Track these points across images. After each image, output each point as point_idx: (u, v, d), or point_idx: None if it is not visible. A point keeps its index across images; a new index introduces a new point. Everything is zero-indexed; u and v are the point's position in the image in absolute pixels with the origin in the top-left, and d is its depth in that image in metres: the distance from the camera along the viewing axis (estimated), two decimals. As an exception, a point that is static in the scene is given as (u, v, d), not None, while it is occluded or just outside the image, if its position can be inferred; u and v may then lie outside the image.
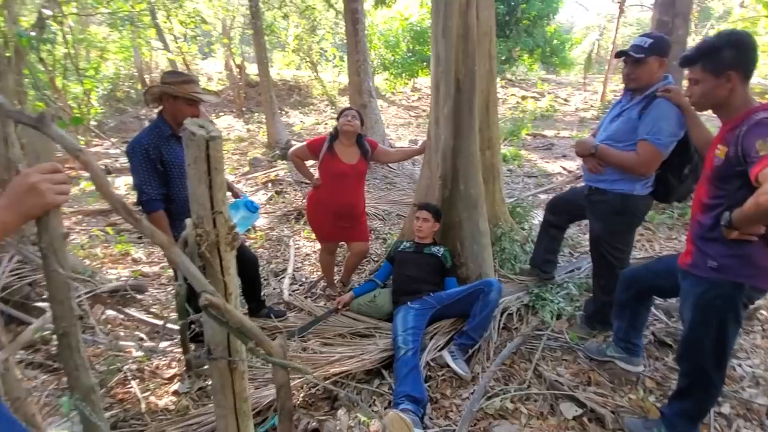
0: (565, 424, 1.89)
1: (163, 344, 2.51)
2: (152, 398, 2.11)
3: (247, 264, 2.52)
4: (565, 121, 10.94)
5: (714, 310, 1.52)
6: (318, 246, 3.89)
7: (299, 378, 2.04)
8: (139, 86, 13.46)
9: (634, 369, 2.13)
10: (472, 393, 2.04)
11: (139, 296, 2.99)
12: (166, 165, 2.04)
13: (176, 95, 2.04)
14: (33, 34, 4.85)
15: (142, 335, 2.63)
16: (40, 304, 2.54)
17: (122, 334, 2.66)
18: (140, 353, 2.38)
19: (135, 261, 3.94)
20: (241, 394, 0.79)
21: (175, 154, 2.06)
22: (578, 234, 3.86)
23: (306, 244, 4.20)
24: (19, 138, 2.49)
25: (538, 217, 3.82)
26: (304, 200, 5.22)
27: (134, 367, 2.34)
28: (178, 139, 2.10)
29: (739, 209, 1.33)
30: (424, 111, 12.75)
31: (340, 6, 11.06)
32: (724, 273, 1.46)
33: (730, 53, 1.41)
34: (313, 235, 3.89)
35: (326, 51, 14.81)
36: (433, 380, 2.16)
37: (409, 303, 2.43)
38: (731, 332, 1.52)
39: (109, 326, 2.72)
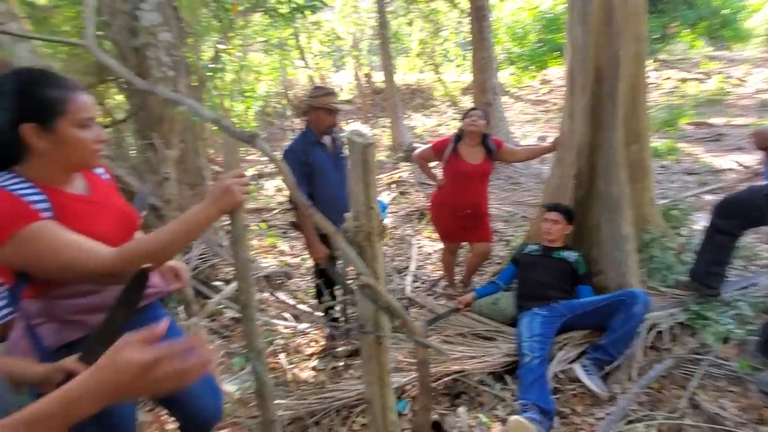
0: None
1: (305, 326, 2.87)
2: (295, 371, 2.43)
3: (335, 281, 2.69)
4: (739, 106, 8.86)
5: None
6: (440, 245, 3.94)
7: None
8: (284, 102, 15.44)
9: None
10: (608, 414, 1.85)
11: (287, 282, 3.46)
12: (312, 167, 2.33)
13: (318, 107, 2.33)
14: (211, 65, 6.01)
15: (288, 316, 3.05)
16: (216, 283, 3.15)
17: (272, 313, 3.12)
18: (287, 331, 2.77)
19: (281, 252, 4.57)
20: (384, 366, 0.89)
21: (320, 158, 2.35)
22: (756, 243, 3.14)
23: (428, 243, 4.30)
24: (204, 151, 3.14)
25: (700, 221, 3.22)
26: (427, 201, 5.35)
27: (281, 342, 2.73)
28: (322, 145, 2.39)
29: None
30: (554, 105, 11.79)
31: (464, 5, 10.99)
32: None
33: None
34: (435, 234, 3.96)
35: (449, 51, 14.83)
36: (562, 393, 2.01)
37: (535, 309, 2.31)
38: None
39: (263, 306, 3.22)
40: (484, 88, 6.73)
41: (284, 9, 4.27)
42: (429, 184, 6.08)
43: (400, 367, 2.18)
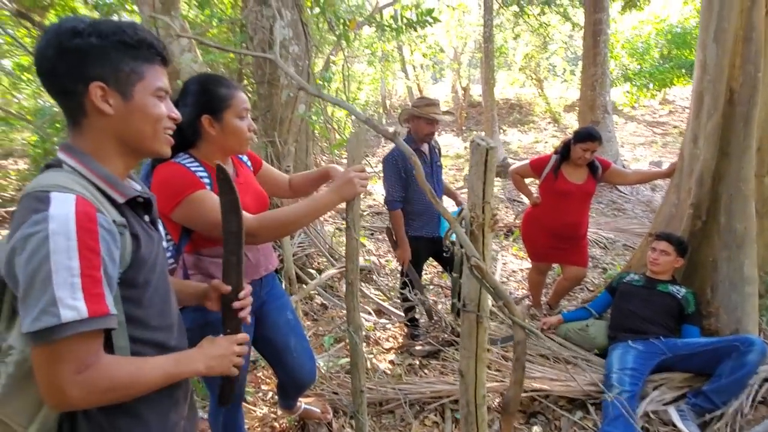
0: None
1: (385, 321, 3.03)
2: (374, 361, 2.60)
3: (450, 265, 2.76)
4: None
5: None
6: (526, 264, 3.84)
7: (498, 383, 2.13)
8: (381, 110, 16.10)
9: None
10: (707, 468, 1.67)
11: (372, 277, 3.68)
12: (409, 173, 2.49)
13: (420, 116, 2.47)
14: (323, 74, 6.60)
15: (370, 310, 3.24)
16: (310, 271, 3.48)
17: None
18: (369, 324, 2.96)
19: (368, 252, 4.84)
20: (482, 344, 0.99)
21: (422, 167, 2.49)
22: None
23: (513, 260, 4.21)
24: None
25: None
26: (515, 218, 5.22)
27: (363, 333, 2.92)
28: (420, 152, 2.54)
29: None
30: (674, 128, 10.60)
31: (579, 18, 10.43)
32: None
33: None
34: (522, 252, 3.87)
35: (555, 66, 14.17)
36: (652, 436, 1.87)
37: (630, 342, 2.17)
38: None
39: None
40: (593, 105, 6.35)
41: (396, 24, 4.54)
42: (518, 201, 5.92)
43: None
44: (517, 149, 10.53)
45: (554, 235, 2.72)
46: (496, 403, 2.10)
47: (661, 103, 13.07)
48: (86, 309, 0.66)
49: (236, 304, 0.97)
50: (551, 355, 2.46)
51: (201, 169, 1.25)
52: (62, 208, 0.67)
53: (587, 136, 2.55)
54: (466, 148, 11.46)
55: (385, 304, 3.25)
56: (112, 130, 0.78)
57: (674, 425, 1.85)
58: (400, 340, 2.82)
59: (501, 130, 12.57)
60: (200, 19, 5.00)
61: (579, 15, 10.29)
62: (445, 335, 2.67)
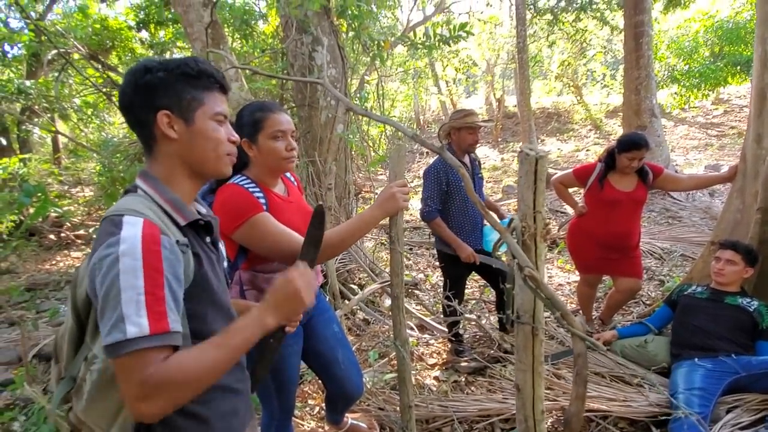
0: None
1: (428, 337, 2.98)
2: (418, 377, 2.55)
3: (504, 280, 2.70)
4: None
5: None
6: (573, 277, 3.67)
7: (552, 401, 2.03)
8: (415, 126, 16.20)
9: None
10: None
11: (414, 292, 3.65)
12: (450, 185, 2.47)
13: (460, 127, 2.47)
14: (358, 94, 6.77)
15: (413, 326, 3.20)
16: (352, 286, 3.50)
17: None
18: (412, 339, 2.92)
19: (407, 267, 4.81)
20: (538, 357, 0.95)
21: (458, 177, 2.47)
22: None
23: (559, 273, 4.03)
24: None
25: None
26: (559, 229, 5.02)
27: (409, 348, 2.89)
28: (462, 164, 2.52)
29: None
30: (732, 128, 9.90)
31: (616, 21, 10.10)
32: None
33: None
34: (568, 265, 3.70)
35: (594, 72, 13.73)
36: (729, 464, 1.70)
37: (696, 359, 2.00)
38: None
39: (391, 312, 3.45)
40: (638, 110, 6.07)
41: (428, 41, 4.60)
42: (561, 212, 5.69)
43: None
44: (558, 158, 10.20)
45: (603, 246, 2.59)
46: (549, 423, 1.99)
47: (714, 104, 12.27)
48: (148, 326, 0.70)
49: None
50: (608, 373, 2.31)
51: (257, 189, 1.32)
52: (131, 230, 0.73)
53: (631, 144, 2.42)
54: (503, 159, 11.25)
55: (428, 319, 3.21)
56: (178, 155, 0.85)
57: (755, 453, 1.67)
58: (444, 356, 2.76)
59: (539, 140, 12.27)
60: (244, 50, 5.31)
61: (617, 18, 9.97)
62: (492, 351, 2.58)
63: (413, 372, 2.57)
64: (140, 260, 0.71)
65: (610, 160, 2.53)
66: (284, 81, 3.91)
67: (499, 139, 13.82)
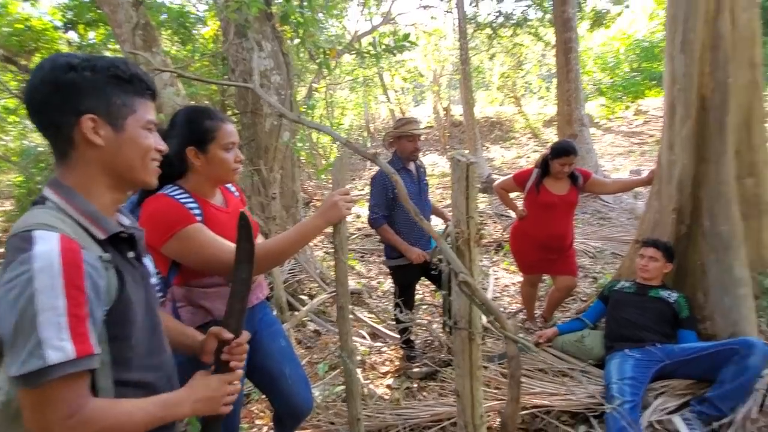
0: None
1: (380, 345, 2.96)
2: (371, 386, 2.51)
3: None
4: None
5: None
6: (517, 278, 3.83)
7: (498, 401, 2.07)
8: (365, 134, 16.30)
9: None
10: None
11: (365, 299, 3.61)
12: (395, 194, 2.49)
13: (401, 135, 2.51)
14: (306, 102, 6.68)
15: (365, 334, 3.17)
16: (302, 297, 3.41)
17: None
18: (363, 348, 2.88)
19: (359, 275, 4.78)
20: (475, 362, 0.95)
21: (403, 184, 2.50)
22: None
23: (505, 275, 4.20)
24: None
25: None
26: (504, 232, 5.24)
27: (358, 358, 2.84)
28: (407, 171, 2.55)
29: None
30: (650, 136, 10.93)
31: (549, 37, 10.86)
32: None
33: None
34: (513, 266, 3.86)
35: (531, 84, 14.63)
36: (658, 446, 1.82)
37: (627, 350, 2.14)
38: None
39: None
40: (570, 119, 6.53)
41: (375, 51, 4.65)
42: (507, 216, 5.96)
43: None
44: (501, 165, 10.70)
45: (542, 247, 2.73)
46: (498, 423, 2.04)
47: (636, 114, 13.52)
48: (73, 349, 0.64)
49: (233, 351, 0.94)
50: (549, 368, 2.41)
51: (191, 200, 1.24)
52: (46, 245, 0.66)
53: (562, 151, 2.60)
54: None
55: (380, 326, 3.19)
56: (101, 162, 0.77)
57: (680, 434, 1.81)
58: (398, 363, 2.75)
59: (484, 147, 12.79)
60: (182, 54, 5.06)
61: (550, 34, 10.72)
62: (442, 355, 2.61)
63: (366, 382, 2.54)
64: (59, 277, 0.64)
65: (544, 166, 2.68)
66: (226, 87, 3.75)
67: (447, 147, 14.23)
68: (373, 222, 2.53)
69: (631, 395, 1.89)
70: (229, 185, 1.45)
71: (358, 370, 2.66)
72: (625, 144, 11.17)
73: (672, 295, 2.28)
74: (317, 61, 4.27)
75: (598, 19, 9.30)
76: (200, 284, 1.27)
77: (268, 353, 1.47)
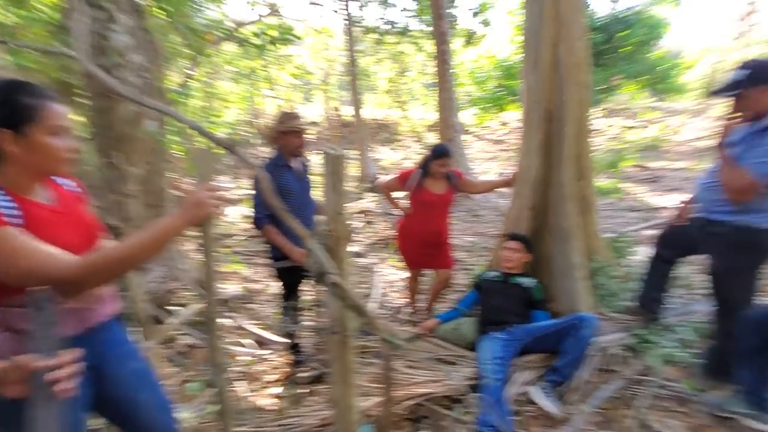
0: (677, 484, 1.68)
1: (266, 352, 2.79)
2: (254, 398, 2.35)
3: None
4: (676, 152, 9.88)
5: None
6: (404, 273, 4.00)
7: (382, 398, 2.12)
8: (252, 130, 15.38)
9: (766, 428, 1.82)
10: (563, 434, 1.92)
11: (249, 306, 3.37)
12: (280, 189, 2.37)
13: (285, 131, 2.41)
14: (179, 90, 5.99)
15: (249, 342, 2.95)
16: (173, 308, 3.02)
17: (232, 339, 3.02)
18: (247, 358, 2.68)
19: (244, 279, 4.46)
20: (349, 366, 0.92)
21: (287, 181, 2.40)
22: (693, 274, 3.43)
23: (392, 271, 4.35)
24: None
25: (641, 252, 3.50)
26: (392, 230, 5.45)
27: (240, 370, 2.64)
28: (290, 168, 2.45)
29: None
30: (513, 144, 12.55)
31: (430, 48, 11.70)
32: None
33: None
34: (400, 262, 4.02)
35: (415, 91, 15.58)
36: (520, 416, 2.07)
37: (494, 333, 2.40)
38: None
39: (221, 332, 3.11)
40: (447, 125, 7.11)
41: (258, 41, 4.39)
42: (395, 214, 6.22)
43: (366, 391, 2.17)
44: (389, 166, 11.15)
45: (423, 243, 2.89)
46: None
47: (501, 125, 15.41)
48: None
49: (52, 376, 0.76)
50: (432, 357, 2.57)
51: (5, 198, 0.97)
52: None
53: (440, 153, 2.82)
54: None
55: (266, 333, 3.01)
56: None
57: (538, 402, 2.09)
58: (286, 369, 2.63)
59: (372, 148, 13.19)
60: (13, 21, 4.07)
61: (430, 46, 11.54)
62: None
63: (250, 394, 2.36)
64: None
65: (425, 166, 2.85)
66: (68, 62, 3.13)
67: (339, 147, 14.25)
68: (256, 222, 2.38)
69: (500, 373, 2.12)
70: (63, 179, 1.18)
71: (243, 383, 2.47)
72: (493, 150, 12.66)
73: (529, 282, 2.62)
74: (191, 44, 3.85)
75: (469, 38, 10.34)
76: (17, 303, 1.01)
77: (117, 380, 1.23)
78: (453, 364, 2.49)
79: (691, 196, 2.39)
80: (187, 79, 7.63)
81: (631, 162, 8.63)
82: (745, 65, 1.91)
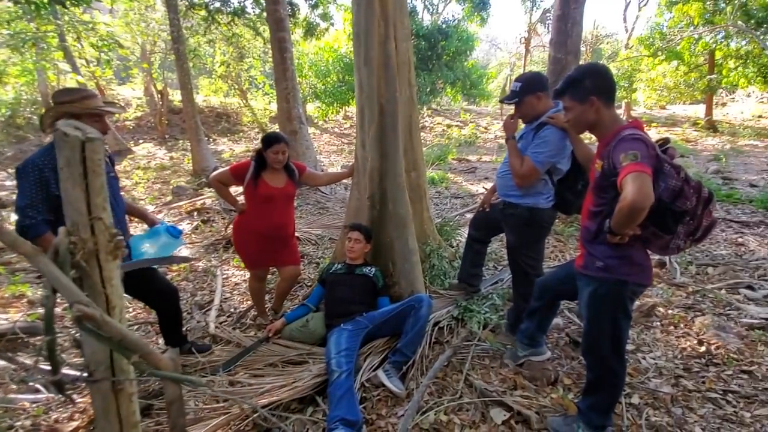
0: (495, 430, 1.96)
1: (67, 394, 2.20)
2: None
3: (166, 296, 2.35)
4: (485, 147, 11.84)
5: (605, 306, 1.70)
6: (249, 274, 3.72)
7: (226, 413, 1.90)
8: (42, 110, 12.17)
9: (544, 357, 2.39)
10: (406, 410, 2.05)
11: (32, 340, 2.61)
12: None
13: (78, 113, 1.90)
14: None
15: (38, 386, 2.29)
16: None
17: (15, 387, 2.29)
18: (35, 406, 2.07)
19: (31, 303, 3.47)
20: (128, 419, 0.70)
21: None
22: (501, 249, 4.12)
23: (235, 273, 4.00)
24: None
25: (464, 234, 4.03)
26: (225, 228, 5.00)
27: (29, 423, 2.03)
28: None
29: (613, 215, 1.53)
30: (355, 138, 13.06)
31: (268, 35, 11.13)
32: (609, 272, 1.65)
33: (590, 82, 1.65)
34: (243, 263, 3.71)
35: (255, 78, 14.65)
36: (369, 401, 2.13)
37: (342, 325, 2.41)
38: (623, 324, 1.71)
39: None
40: (289, 116, 6.87)
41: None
42: (235, 211, 5.74)
43: (200, 417, 1.91)
44: (230, 158, 10.26)
45: (264, 239, 2.70)
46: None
47: (344, 118, 15.84)
48: None
49: None
50: (279, 361, 2.43)
51: None
52: None
53: (273, 139, 2.61)
54: (172, 158, 10.21)
55: (63, 370, 2.37)
56: None
57: (384, 385, 2.17)
58: (92, 411, 2.11)
59: (210, 139, 11.91)
60: None
61: (268, 32, 10.98)
62: (156, 385, 2.19)
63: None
64: None
65: (260, 158, 2.64)
66: None
67: (167, 136, 12.48)
68: (27, 229, 1.79)
69: (347, 364, 2.12)
70: None
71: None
72: (338, 143, 12.91)
73: (371, 270, 2.71)
74: None
75: (310, 30, 10.21)
76: None
77: None
78: (303, 363, 2.41)
79: (493, 184, 2.83)
80: None
81: (454, 155, 9.96)
82: (518, 79, 2.36)
